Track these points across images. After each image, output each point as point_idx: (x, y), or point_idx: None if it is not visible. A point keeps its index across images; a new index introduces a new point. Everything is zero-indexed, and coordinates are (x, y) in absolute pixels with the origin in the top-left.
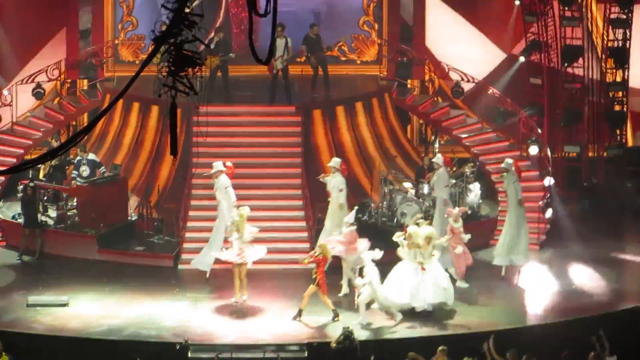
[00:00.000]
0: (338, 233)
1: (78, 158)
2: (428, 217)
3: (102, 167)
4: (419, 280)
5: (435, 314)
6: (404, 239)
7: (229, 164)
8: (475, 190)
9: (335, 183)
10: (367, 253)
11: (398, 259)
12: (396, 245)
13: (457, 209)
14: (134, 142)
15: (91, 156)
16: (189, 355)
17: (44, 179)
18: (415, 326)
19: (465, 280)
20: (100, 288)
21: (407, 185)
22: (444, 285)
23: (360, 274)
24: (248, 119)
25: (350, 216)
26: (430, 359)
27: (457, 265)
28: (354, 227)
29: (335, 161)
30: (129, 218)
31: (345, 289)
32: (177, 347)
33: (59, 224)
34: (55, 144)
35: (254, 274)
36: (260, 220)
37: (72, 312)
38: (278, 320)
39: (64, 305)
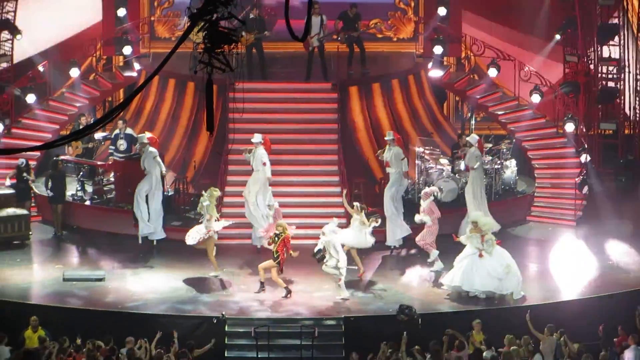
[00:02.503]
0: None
1: (116, 132)
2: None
3: (139, 143)
4: (473, 265)
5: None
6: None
7: (257, 139)
8: (511, 167)
9: (395, 153)
10: (328, 229)
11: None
12: None
13: (427, 188)
14: (170, 118)
15: (129, 130)
16: (226, 329)
17: (80, 155)
18: (452, 301)
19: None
20: (136, 263)
21: (444, 161)
22: (498, 275)
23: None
24: (284, 95)
25: None
26: (466, 334)
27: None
28: None
29: (390, 134)
30: (165, 193)
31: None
32: (215, 322)
33: (95, 199)
34: (84, 122)
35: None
36: (296, 196)
37: (108, 287)
38: (315, 295)
39: (100, 280)
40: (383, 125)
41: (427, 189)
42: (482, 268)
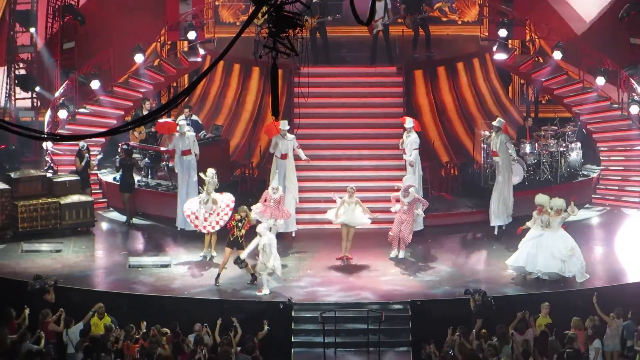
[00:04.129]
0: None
1: (181, 118)
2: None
3: (203, 131)
4: (538, 247)
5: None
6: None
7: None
8: (576, 150)
9: (503, 140)
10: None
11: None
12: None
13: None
14: (235, 104)
15: (194, 117)
16: (293, 314)
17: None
18: (517, 284)
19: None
20: (202, 249)
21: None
22: (562, 257)
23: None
24: (349, 79)
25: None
26: (533, 316)
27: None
28: None
29: (500, 121)
30: (231, 179)
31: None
32: (281, 307)
33: (160, 186)
34: (148, 108)
35: (358, 234)
36: (361, 180)
37: (174, 273)
38: (381, 279)
39: (166, 266)
40: (448, 108)
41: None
42: (546, 249)
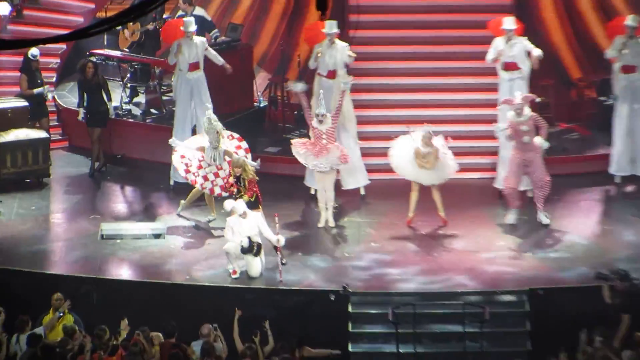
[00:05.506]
0: None
1: (179, 14)
2: None
3: (215, 30)
4: None
5: None
6: None
7: None
8: None
9: None
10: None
11: None
12: None
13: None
14: None
15: (199, 11)
16: (350, 309)
17: (127, 50)
18: None
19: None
20: (208, 212)
21: None
22: None
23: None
24: None
25: None
26: None
27: None
28: None
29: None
30: (255, 104)
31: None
32: (332, 298)
33: (150, 114)
34: None
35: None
36: (446, 122)
37: (168, 247)
38: (483, 256)
39: (157, 237)
40: (583, 12)
41: None
42: None
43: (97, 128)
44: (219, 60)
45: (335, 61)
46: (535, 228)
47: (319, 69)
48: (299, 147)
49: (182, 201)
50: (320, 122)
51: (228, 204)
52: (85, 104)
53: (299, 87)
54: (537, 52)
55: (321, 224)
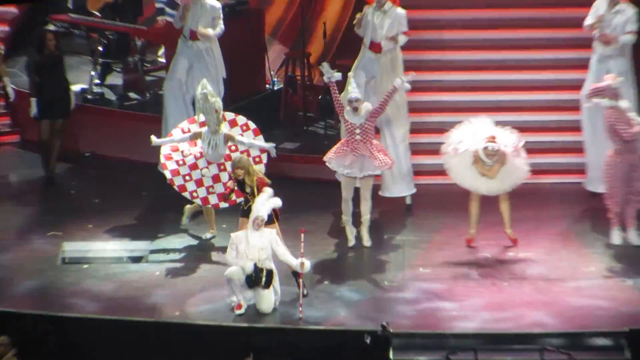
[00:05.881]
0: None
1: None
2: None
3: None
4: None
5: None
6: None
7: None
8: None
9: None
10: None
11: None
12: None
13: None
14: None
15: None
16: (391, 356)
17: (99, 14)
18: None
19: None
20: (205, 227)
21: None
22: None
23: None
24: None
25: None
26: None
27: None
28: None
29: None
30: (267, 87)
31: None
32: (367, 340)
33: (126, 99)
34: None
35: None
36: (525, 109)
37: (153, 274)
38: (568, 285)
39: (138, 260)
40: None
41: None
42: None
43: (59, 120)
44: (219, 25)
45: (384, 25)
46: (637, 250)
47: (365, 39)
48: (330, 155)
49: (187, 206)
50: (355, 109)
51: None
52: (39, 89)
53: (335, 76)
54: (631, 27)
55: (350, 243)
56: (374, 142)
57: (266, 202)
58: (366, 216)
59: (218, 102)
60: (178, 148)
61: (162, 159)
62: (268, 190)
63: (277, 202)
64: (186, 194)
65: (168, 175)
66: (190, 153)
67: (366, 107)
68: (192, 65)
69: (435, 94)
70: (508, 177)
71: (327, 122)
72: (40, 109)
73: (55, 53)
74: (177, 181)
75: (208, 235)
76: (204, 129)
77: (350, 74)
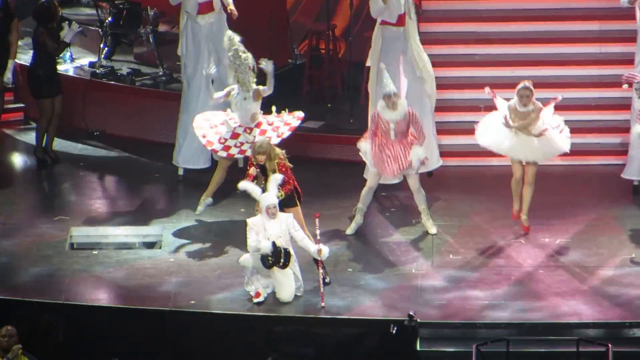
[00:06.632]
0: None
1: None
2: None
3: None
4: None
5: None
6: None
7: None
8: None
9: None
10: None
11: None
12: None
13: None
14: None
15: None
16: (418, 347)
17: None
18: None
19: None
20: (223, 210)
21: None
22: None
23: None
24: None
25: None
26: None
27: None
28: None
29: None
30: (290, 62)
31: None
32: (393, 330)
33: (140, 74)
34: None
35: (546, 171)
36: (562, 85)
37: (165, 261)
38: (601, 274)
39: (151, 246)
40: None
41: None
42: None
43: (59, 96)
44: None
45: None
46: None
47: (385, 16)
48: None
49: (203, 198)
50: (394, 104)
51: (243, 185)
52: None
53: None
54: None
55: (349, 231)
56: (409, 139)
57: (274, 189)
58: (422, 206)
59: (250, 58)
60: (217, 125)
61: (211, 138)
62: (277, 177)
63: (278, 178)
64: (214, 149)
65: (222, 153)
66: (230, 128)
67: (403, 104)
68: (206, 40)
69: (460, 69)
70: (545, 146)
71: (353, 101)
72: (37, 85)
73: (48, 31)
74: (233, 152)
75: (208, 201)
76: (234, 91)
77: (381, 65)
